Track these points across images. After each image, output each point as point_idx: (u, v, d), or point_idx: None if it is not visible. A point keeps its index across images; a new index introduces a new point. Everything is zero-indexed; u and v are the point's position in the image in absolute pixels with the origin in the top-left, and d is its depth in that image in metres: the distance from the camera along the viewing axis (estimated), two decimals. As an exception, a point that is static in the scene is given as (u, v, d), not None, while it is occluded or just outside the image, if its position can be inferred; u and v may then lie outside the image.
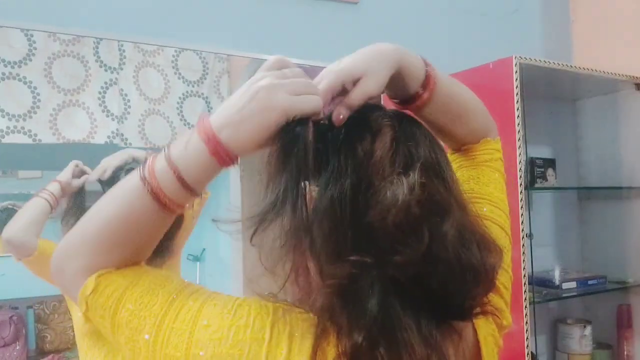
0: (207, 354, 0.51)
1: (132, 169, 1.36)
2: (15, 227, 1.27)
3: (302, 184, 0.60)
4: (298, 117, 0.56)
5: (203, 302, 0.54)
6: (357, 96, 0.60)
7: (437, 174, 0.57)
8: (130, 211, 0.56)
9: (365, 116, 0.59)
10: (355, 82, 0.61)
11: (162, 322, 0.52)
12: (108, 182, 1.34)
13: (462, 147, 0.77)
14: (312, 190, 0.60)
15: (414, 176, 0.54)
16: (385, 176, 0.54)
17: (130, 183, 0.57)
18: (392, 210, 0.52)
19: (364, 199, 0.53)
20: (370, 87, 0.61)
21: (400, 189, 0.53)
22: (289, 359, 0.51)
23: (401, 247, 0.52)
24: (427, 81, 0.66)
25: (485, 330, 0.63)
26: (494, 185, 0.75)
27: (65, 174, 1.38)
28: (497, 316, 0.62)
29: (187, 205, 0.58)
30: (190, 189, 0.56)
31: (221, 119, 0.56)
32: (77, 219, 1.32)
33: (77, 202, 1.37)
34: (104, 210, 0.58)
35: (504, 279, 0.68)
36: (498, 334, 0.66)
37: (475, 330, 0.62)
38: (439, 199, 0.55)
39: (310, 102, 0.57)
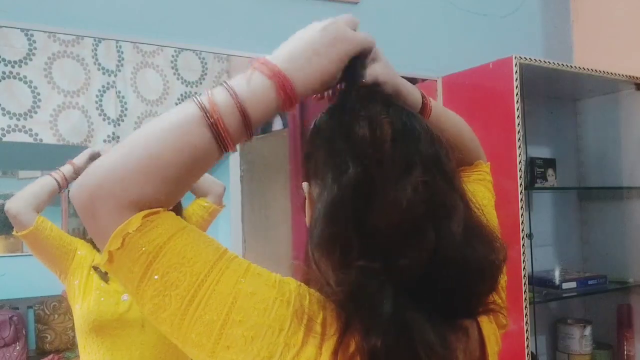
0: (248, 322, 0.49)
1: None
2: (15, 197, 1.28)
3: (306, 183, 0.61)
4: (368, 52, 0.58)
5: (247, 269, 0.51)
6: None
7: (439, 170, 0.56)
8: (186, 142, 0.51)
9: (364, 112, 0.58)
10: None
11: (203, 282, 0.49)
12: None
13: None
14: (313, 191, 0.60)
15: (416, 175, 0.53)
16: (387, 176, 0.53)
17: (186, 113, 0.52)
18: (395, 212, 0.51)
19: (366, 202, 0.52)
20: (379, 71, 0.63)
21: (402, 190, 0.52)
22: (322, 341, 0.50)
23: (407, 249, 0.51)
24: (424, 107, 0.71)
25: (488, 329, 0.64)
26: (487, 202, 0.79)
27: (81, 158, 1.39)
28: (502, 313, 0.62)
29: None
30: (251, 128, 0.53)
31: (285, 55, 0.56)
32: None
33: None
34: (157, 138, 0.51)
35: (501, 280, 0.68)
36: (498, 334, 0.66)
37: (479, 329, 0.62)
38: (444, 196, 0.55)
39: (371, 38, 0.60)
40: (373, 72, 0.63)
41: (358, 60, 0.61)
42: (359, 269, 0.51)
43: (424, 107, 0.72)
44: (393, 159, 0.54)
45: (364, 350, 0.49)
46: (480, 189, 0.79)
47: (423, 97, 0.72)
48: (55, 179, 1.32)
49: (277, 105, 0.54)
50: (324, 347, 0.50)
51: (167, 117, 0.53)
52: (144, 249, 0.49)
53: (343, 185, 0.53)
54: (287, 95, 0.54)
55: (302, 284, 0.54)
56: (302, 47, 0.56)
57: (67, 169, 1.36)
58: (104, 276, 1.32)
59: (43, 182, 1.32)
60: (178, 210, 1.39)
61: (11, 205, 1.26)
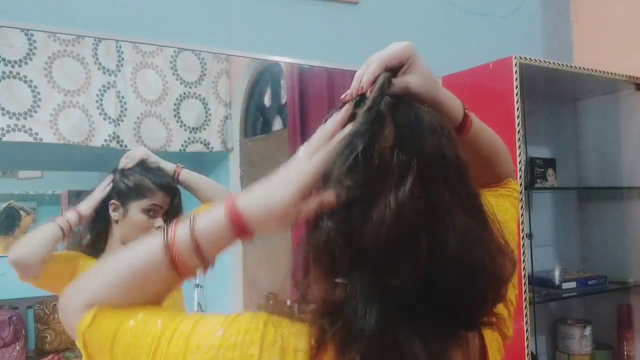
0: None
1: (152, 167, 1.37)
2: (21, 248, 1.26)
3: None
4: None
5: (195, 324, 0.54)
6: (399, 85, 0.60)
7: (443, 176, 0.54)
8: (143, 262, 0.59)
9: (366, 115, 0.56)
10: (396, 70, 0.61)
11: (156, 349, 0.53)
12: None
13: (485, 185, 0.77)
14: None
15: (405, 189, 0.51)
16: (380, 190, 0.51)
17: (149, 248, 0.59)
18: (380, 231, 0.50)
19: (358, 216, 0.51)
20: (413, 84, 0.61)
21: (387, 206, 0.50)
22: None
23: (398, 266, 0.50)
24: (464, 122, 0.68)
25: (491, 337, 0.62)
26: (510, 217, 0.75)
27: (86, 205, 1.37)
28: (505, 327, 0.61)
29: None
30: (205, 259, 0.58)
31: (250, 195, 0.59)
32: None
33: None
34: (120, 257, 0.60)
35: (511, 294, 0.66)
36: (501, 343, 0.65)
37: (482, 336, 0.61)
38: (443, 207, 0.52)
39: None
40: (403, 82, 0.60)
41: (387, 74, 0.59)
42: (347, 282, 0.50)
43: (464, 122, 0.68)
44: (388, 169, 0.52)
45: None
46: (504, 204, 0.76)
47: (465, 111, 0.69)
48: (61, 228, 1.29)
49: (232, 237, 0.58)
50: None
51: (137, 243, 0.60)
52: (102, 338, 0.56)
53: (337, 194, 0.53)
54: (239, 229, 0.57)
55: (272, 315, 0.54)
56: (263, 186, 0.59)
57: (72, 216, 1.33)
58: None
59: (47, 231, 1.29)
60: (178, 214, 1.38)
61: (19, 257, 1.25)
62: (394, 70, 0.61)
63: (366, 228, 0.50)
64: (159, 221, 1.35)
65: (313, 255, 0.54)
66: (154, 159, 1.43)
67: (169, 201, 1.38)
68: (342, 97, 0.62)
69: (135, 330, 0.55)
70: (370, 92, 0.58)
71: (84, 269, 1.33)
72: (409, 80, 0.60)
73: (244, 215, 0.56)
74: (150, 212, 1.35)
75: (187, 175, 1.45)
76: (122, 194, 1.36)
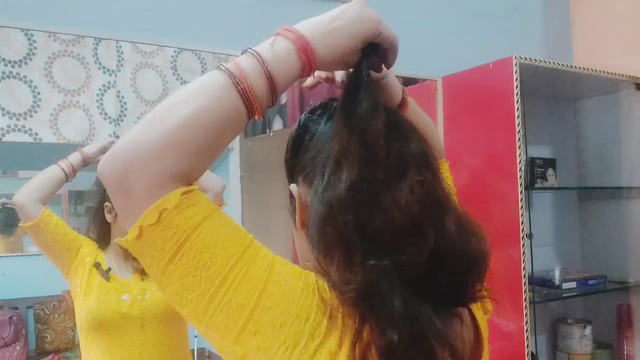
0: (277, 309, 0.49)
1: None
2: (23, 189, 1.28)
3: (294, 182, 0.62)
4: (384, 36, 0.60)
5: (274, 258, 0.52)
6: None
7: (429, 169, 0.58)
8: (219, 109, 0.51)
9: (354, 113, 0.58)
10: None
11: (234, 266, 0.49)
12: None
13: None
14: (303, 193, 0.60)
15: (412, 175, 0.55)
16: (383, 178, 0.54)
17: (214, 81, 0.52)
18: (395, 214, 0.52)
19: (364, 204, 0.53)
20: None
21: (399, 191, 0.53)
22: (342, 333, 0.51)
23: (409, 247, 0.52)
24: (403, 101, 0.74)
25: (479, 315, 0.66)
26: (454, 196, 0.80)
27: (91, 147, 1.37)
28: (493, 299, 0.64)
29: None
30: (276, 92, 0.54)
31: (308, 27, 0.57)
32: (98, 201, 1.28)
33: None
34: (187, 107, 0.50)
35: None
36: (485, 319, 0.69)
37: (472, 315, 0.64)
38: (437, 194, 0.57)
39: (394, 33, 0.63)
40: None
41: (377, 48, 0.62)
42: (369, 268, 0.51)
43: (403, 101, 0.74)
44: (388, 160, 0.55)
45: (379, 346, 0.50)
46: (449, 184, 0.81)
47: (403, 91, 0.74)
48: (62, 169, 1.31)
49: (299, 69, 0.55)
50: (344, 339, 0.50)
51: (194, 87, 0.53)
52: (179, 226, 0.48)
53: (339, 188, 0.54)
54: (307, 58, 0.55)
55: (320, 279, 0.54)
56: (326, 19, 0.58)
57: (75, 157, 1.34)
58: (105, 274, 1.31)
59: (50, 173, 1.31)
60: None
61: (18, 197, 1.26)
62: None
63: (377, 214, 0.52)
64: None
65: (329, 244, 0.54)
66: None
67: None
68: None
69: (217, 234, 0.50)
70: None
71: (83, 252, 1.33)
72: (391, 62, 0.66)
73: (314, 50, 0.55)
74: None
75: None
76: None
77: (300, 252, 0.64)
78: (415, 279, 0.52)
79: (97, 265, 1.32)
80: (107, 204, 1.34)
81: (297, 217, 0.61)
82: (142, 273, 1.35)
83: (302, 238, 0.62)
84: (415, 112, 0.77)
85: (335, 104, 0.62)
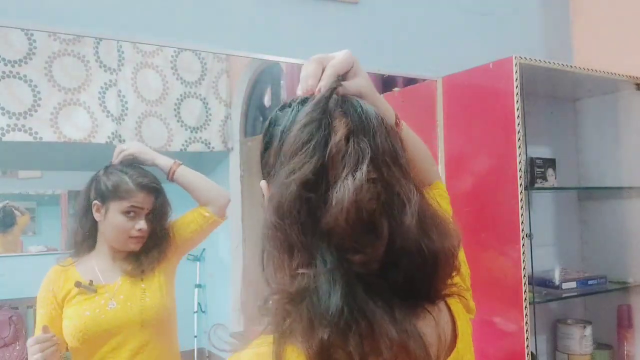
0: None
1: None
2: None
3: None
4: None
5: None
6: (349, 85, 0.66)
7: (395, 162, 0.58)
8: None
9: (319, 108, 0.59)
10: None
11: None
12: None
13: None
14: (268, 188, 0.61)
15: (362, 172, 0.54)
16: (335, 174, 0.54)
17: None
18: (342, 212, 0.52)
19: (316, 200, 0.54)
20: (361, 84, 0.68)
21: (346, 188, 0.53)
22: None
23: (360, 245, 0.52)
24: (396, 123, 0.77)
25: (457, 309, 0.66)
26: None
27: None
28: (463, 296, 0.64)
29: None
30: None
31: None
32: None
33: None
34: None
35: (463, 268, 0.71)
36: (468, 316, 0.69)
37: (449, 308, 0.64)
38: (399, 188, 0.56)
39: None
40: (355, 85, 0.67)
41: (339, 77, 0.66)
42: (302, 273, 0.52)
43: (396, 124, 0.76)
44: (344, 156, 0.55)
45: (312, 348, 0.50)
46: (442, 203, 0.81)
47: (396, 116, 0.77)
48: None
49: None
50: None
51: None
52: None
53: (292, 184, 0.54)
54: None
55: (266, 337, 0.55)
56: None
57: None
58: (90, 288, 1.27)
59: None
60: (163, 214, 1.36)
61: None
62: (342, 74, 0.67)
63: (327, 212, 0.53)
64: (141, 223, 1.29)
65: (272, 246, 0.55)
66: (148, 155, 1.36)
67: (152, 201, 1.31)
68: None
69: None
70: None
71: (55, 291, 1.28)
72: (361, 84, 0.68)
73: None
74: (130, 213, 1.29)
75: (184, 172, 1.37)
76: (102, 195, 1.30)
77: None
78: (371, 276, 0.52)
79: (78, 285, 1.27)
80: (95, 202, 1.31)
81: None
82: (132, 276, 1.31)
83: None
84: (408, 135, 0.79)
85: (299, 100, 0.63)
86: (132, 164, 1.35)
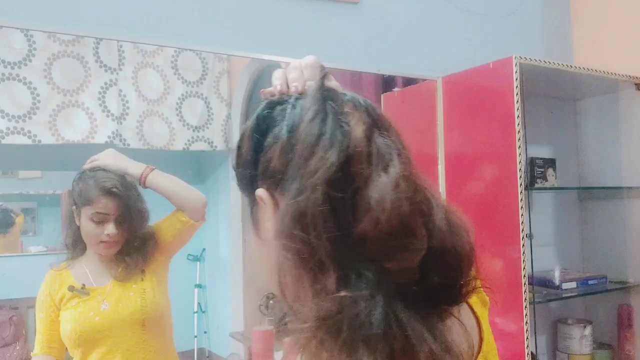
0: None
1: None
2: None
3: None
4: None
5: None
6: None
7: (412, 164, 0.52)
8: None
9: (322, 98, 0.53)
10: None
11: None
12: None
13: None
14: (277, 198, 0.54)
15: (395, 169, 0.48)
16: (364, 173, 0.48)
17: None
18: (383, 212, 0.46)
19: (346, 206, 0.47)
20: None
21: (383, 186, 0.47)
22: None
23: (397, 252, 0.47)
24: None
25: (477, 307, 0.63)
26: None
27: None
28: (488, 287, 0.60)
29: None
30: None
31: None
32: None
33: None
34: None
35: None
36: (486, 313, 0.65)
37: (472, 308, 0.61)
38: (422, 189, 0.51)
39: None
40: (335, 86, 0.60)
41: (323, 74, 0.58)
42: (341, 297, 0.45)
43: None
44: (370, 151, 0.49)
45: None
46: None
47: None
48: None
49: None
50: None
51: None
52: None
53: (318, 185, 0.47)
54: None
55: None
56: None
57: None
58: (83, 292, 1.28)
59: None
60: (135, 220, 1.34)
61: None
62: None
63: (364, 215, 0.47)
64: (110, 227, 1.27)
65: (294, 265, 0.48)
66: (119, 166, 1.32)
67: (116, 207, 1.28)
68: (264, 91, 0.62)
69: None
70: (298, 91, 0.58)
71: (52, 294, 1.30)
72: (337, 85, 0.62)
73: None
74: (95, 219, 1.27)
75: (155, 177, 1.32)
76: (75, 201, 1.30)
77: (268, 268, 0.57)
78: (408, 285, 0.47)
79: (71, 289, 1.28)
80: (73, 207, 1.30)
81: (268, 225, 0.55)
82: (122, 279, 1.32)
83: (270, 250, 0.53)
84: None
85: (297, 98, 0.57)
86: (97, 170, 1.33)
